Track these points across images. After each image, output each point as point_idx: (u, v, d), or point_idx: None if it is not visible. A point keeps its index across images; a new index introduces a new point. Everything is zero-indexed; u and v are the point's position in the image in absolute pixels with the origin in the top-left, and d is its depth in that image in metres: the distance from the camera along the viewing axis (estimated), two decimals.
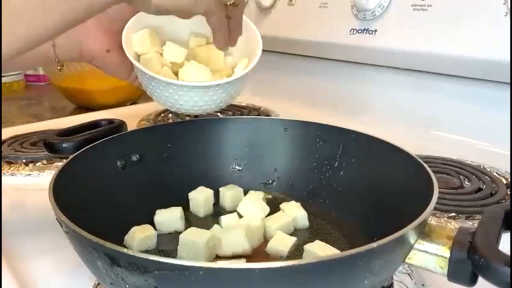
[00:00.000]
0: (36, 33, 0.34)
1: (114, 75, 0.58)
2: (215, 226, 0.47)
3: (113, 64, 0.56)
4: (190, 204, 0.52)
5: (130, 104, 1.09)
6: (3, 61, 0.33)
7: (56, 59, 0.53)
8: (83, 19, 0.37)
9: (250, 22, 0.56)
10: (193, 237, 0.42)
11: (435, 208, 0.35)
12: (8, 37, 0.32)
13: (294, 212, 0.49)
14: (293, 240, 0.45)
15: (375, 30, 0.81)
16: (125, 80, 0.59)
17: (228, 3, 0.48)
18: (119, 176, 0.50)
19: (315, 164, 0.54)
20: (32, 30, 0.34)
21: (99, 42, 0.54)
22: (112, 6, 0.38)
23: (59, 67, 0.55)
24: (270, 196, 0.55)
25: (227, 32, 0.50)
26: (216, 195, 0.53)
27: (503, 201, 0.55)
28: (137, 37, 0.54)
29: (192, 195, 0.52)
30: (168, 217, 0.48)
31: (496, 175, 0.61)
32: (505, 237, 0.33)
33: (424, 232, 0.33)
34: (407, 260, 0.34)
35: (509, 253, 0.28)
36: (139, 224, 0.46)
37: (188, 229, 0.43)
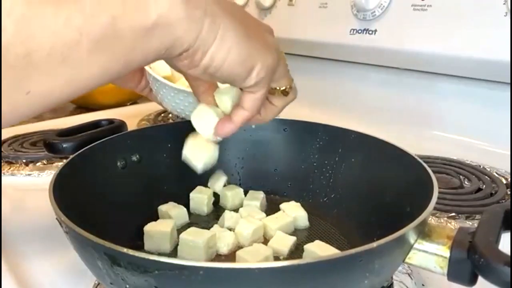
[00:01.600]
0: (57, 91, 0.26)
1: (122, 85, 0.56)
2: (215, 226, 0.47)
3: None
4: (191, 203, 0.52)
5: (130, 104, 1.09)
6: (8, 124, 0.26)
7: None
8: (117, 75, 0.29)
9: None
10: (193, 237, 0.42)
11: (435, 208, 0.35)
12: (19, 96, 0.24)
13: (294, 212, 0.49)
14: (293, 239, 0.45)
15: (375, 30, 0.81)
16: (133, 89, 0.57)
17: (278, 88, 0.39)
18: (119, 176, 0.50)
19: (315, 164, 0.54)
20: (55, 88, 0.26)
21: None
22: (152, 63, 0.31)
23: None
24: (270, 196, 0.55)
25: (254, 118, 0.40)
26: (216, 195, 0.54)
27: (503, 201, 0.55)
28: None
29: (194, 194, 0.52)
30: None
31: (496, 175, 0.61)
32: (505, 237, 0.33)
33: (424, 232, 0.33)
34: (407, 260, 0.34)
35: (509, 253, 0.28)
36: (139, 224, 0.45)
37: (188, 229, 0.43)
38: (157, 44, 0.27)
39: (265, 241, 0.46)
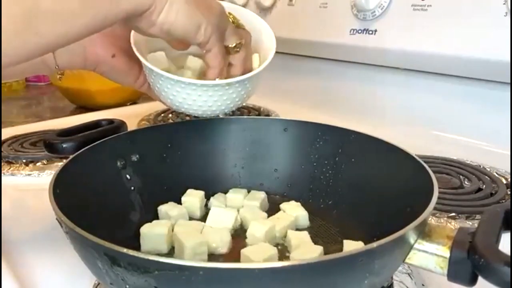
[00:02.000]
0: (60, 35, 0.34)
1: (120, 81, 0.57)
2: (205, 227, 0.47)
3: (120, 69, 0.55)
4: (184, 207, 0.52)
5: (130, 104, 1.09)
6: (18, 63, 0.33)
7: (56, 67, 0.51)
8: (103, 27, 0.37)
9: (262, 20, 0.56)
10: (183, 238, 0.42)
11: (435, 208, 0.35)
12: (30, 37, 0.33)
13: (295, 212, 0.49)
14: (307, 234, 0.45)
15: (375, 30, 0.81)
16: (131, 86, 0.57)
17: (230, 45, 0.48)
18: (119, 176, 0.50)
19: (315, 164, 0.54)
20: (57, 32, 0.34)
21: (104, 47, 0.53)
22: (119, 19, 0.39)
23: (59, 76, 0.53)
24: (270, 196, 0.54)
25: (223, 72, 0.49)
26: (207, 197, 0.53)
27: (503, 201, 0.55)
28: (152, 57, 0.53)
29: (185, 198, 0.51)
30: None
31: (496, 175, 0.61)
32: (505, 237, 0.33)
33: (424, 232, 0.33)
34: (407, 260, 0.34)
35: (509, 253, 0.28)
36: (139, 224, 0.45)
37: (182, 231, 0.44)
38: (126, 5, 0.37)
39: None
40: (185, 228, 0.45)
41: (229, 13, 0.50)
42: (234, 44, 0.48)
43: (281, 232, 0.46)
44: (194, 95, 0.48)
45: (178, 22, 0.41)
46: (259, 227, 0.45)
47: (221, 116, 0.56)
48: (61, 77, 0.53)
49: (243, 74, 0.50)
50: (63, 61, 0.51)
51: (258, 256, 0.40)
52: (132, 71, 0.55)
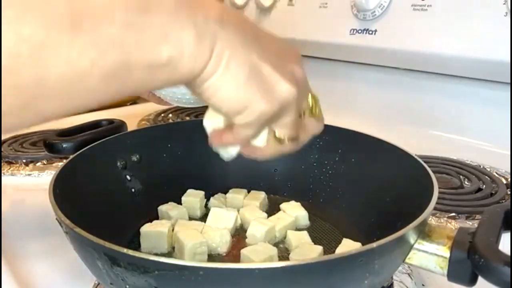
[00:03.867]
0: (67, 112, 0.26)
1: None
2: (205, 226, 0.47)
3: None
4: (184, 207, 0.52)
5: (130, 104, 1.09)
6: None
7: None
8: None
9: None
10: (183, 238, 0.42)
11: (435, 208, 0.35)
12: (29, 115, 0.25)
13: (295, 211, 0.49)
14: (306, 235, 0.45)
15: (375, 30, 0.81)
16: None
17: (276, 135, 0.36)
18: (119, 176, 0.50)
19: (315, 164, 0.54)
20: (64, 110, 0.26)
21: None
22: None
23: None
24: (270, 196, 0.54)
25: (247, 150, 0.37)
26: (207, 197, 0.53)
27: (503, 201, 0.55)
28: None
29: (186, 198, 0.51)
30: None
31: (496, 175, 0.61)
32: (505, 237, 0.33)
33: (424, 232, 0.33)
34: (407, 260, 0.34)
35: (509, 253, 0.28)
36: (139, 224, 0.45)
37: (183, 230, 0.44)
38: (164, 78, 0.27)
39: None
40: (185, 228, 0.45)
41: (313, 96, 0.40)
42: (281, 137, 0.36)
43: (281, 232, 0.47)
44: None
45: (219, 97, 0.30)
46: (259, 227, 0.45)
47: None
48: None
49: (265, 157, 0.38)
50: None
51: (258, 256, 0.40)
52: None
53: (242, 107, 0.30)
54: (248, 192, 0.54)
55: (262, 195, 0.53)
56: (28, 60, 0.22)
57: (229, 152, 0.38)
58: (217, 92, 0.29)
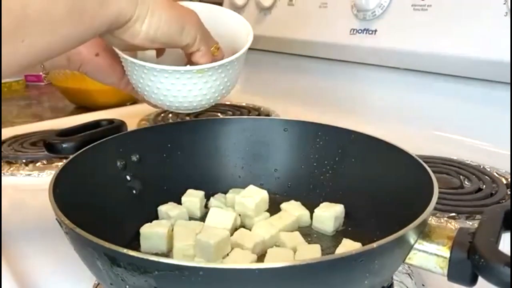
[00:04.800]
0: (46, 43, 0.35)
1: (104, 80, 0.56)
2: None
3: (104, 68, 0.54)
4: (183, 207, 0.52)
5: (130, 104, 1.09)
6: (10, 75, 0.34)
7: (41, 66, 0.51)
8: (87, 37, 0.38)
9: (232, 12, 0.55)
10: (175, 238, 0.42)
11: (435, 208, 0.35)
12: (18, 46, 0.33)
13: (297, 211, 0.49)
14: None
15: (375, 30, 0.81)
16: (115, 86, 0.56)
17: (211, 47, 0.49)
18: (119, 176, 0.50)
19: (315, 164, 0.54)
20: (44, 40, 0.34)
21: (87, 46, 0.52)
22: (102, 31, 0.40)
23: (44, 75, 0.53)
24: (270, 196, 0.54)
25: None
26: (207, 197, 0.53)
27: (503, 201, 0.55)
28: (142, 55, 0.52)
29: (186, 198, 0.51)
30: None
31: (496, 175, 0.61)
32: (505, 237, 0.33)
33: (424, 232, 0.33)
34: (407, 260, 0.34)
35: (509, 253, 0.28)
36: (139, 224, 0.45)
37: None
38: (109, 13, 0.38)
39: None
40: (183, 228, 0.45)
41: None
42: (213, 46, 0.49)
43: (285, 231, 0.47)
44: (179, 84, 0.47)
45: (162, 28, 0.42)
46: (265, 230, 0.45)
47: (220, 116, 0.56)
48: (46, 77, 0.54)
49: None
50: (47, 62, 0.51)
51: (249, 241, 0.42)
52: (116, 70, 0.54)
53: (180, 30, 0.44)
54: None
55: (264, 193, 0.52)
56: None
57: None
58: (158, 24, 0.42)
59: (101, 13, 0.37)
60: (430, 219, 0.43)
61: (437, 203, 0.35)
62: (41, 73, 0.53)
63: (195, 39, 0.45)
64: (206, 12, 0.51)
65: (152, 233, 0.44)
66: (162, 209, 0.50)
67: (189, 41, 0.45)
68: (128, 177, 0.51)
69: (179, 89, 0.47)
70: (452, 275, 0.32)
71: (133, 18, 0.40)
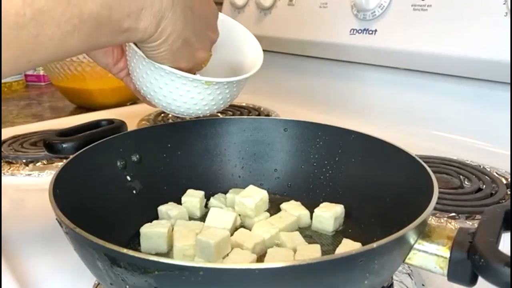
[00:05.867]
0: (51, 60, 0.35)
1: (98, 59, 0.53)
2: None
3: None
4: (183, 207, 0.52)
5: (130, 104, 1.09)
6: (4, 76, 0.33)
7: None
8: (101, 46, 0.38)
9: (247, 30, 0.56)
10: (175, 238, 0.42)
11: (435, 208, 0.35)
12: (23, 65, 0.32)
13: (297, 211, 0.49)
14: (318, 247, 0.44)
15: (375, 30, 0.81)
16: (109, 69, 0.54)
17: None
18: (119, 176, 0.50)
19: (315, 164, 0.54)
20: (50, 59, 0.34)
21: None
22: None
23: None
24: (270, 196, 0.54)
25: None
26: (206, 197, 0.53)
27: (503, 201, 0.55)
28: None
29: (186, 198, 0.51)
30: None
31: (496, 175, 0.61)
32: (505, 237, 0.33)
33: (424, 232, 0.33)
34: (407, 260, 0.34)
35: (509, 253, 0.28)
36: (139, 224, 0.45)
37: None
38: (123, 39, 0.38)
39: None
40: (183, 228, 0.45)
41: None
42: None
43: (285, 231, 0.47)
44: (182, 90, 0.46)
45: (160, 54, 0.42)
46: (264, 229, 0.45)
47: (220, 116, 0.56)
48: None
49: None
50: None
51: (249, 241, 0.42)
52: (114, 52, 0.52)
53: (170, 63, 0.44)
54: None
55: (263, 192, 0.52)
56: (29, 20, 0.30)
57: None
58: (156, 51, 0.42)
59: (114, 38, 0.37)
60: (430, 219, 0.43)
61: (437, 203, 0.35)
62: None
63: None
64: (222, 22, 0.51)
65: (152, 233, 0.44)
66: (162, 209, 0.50)
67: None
68: (128, 177, 0.51)
69: (181, 94, 0.46)
70: (452, 275, 0.32)
71: (147, 41, 0.40)
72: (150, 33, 0.39)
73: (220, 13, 0.51)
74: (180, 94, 0.46)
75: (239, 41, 0.55)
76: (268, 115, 0.91)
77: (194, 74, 0.48)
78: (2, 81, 1.28)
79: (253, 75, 0.50)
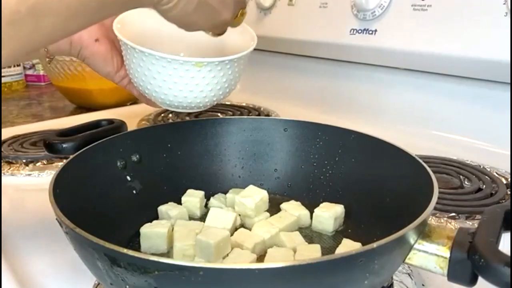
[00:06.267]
0: (60, 30, 0.34)
1: (100, 69, 0.54)
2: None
3: (102, 55, 0.53)
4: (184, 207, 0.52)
5: (130, 104, 1.09)
6: (14, 61, 0.33)
7: (45, 50, 0.51)
8: (104, 18, 0.37)
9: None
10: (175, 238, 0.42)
11: (435, 208, 0.35)
12: (31, 33, 0.32)
13: (297, 211, 0.49)
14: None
15: (375, 30, 0.81)
16: (111, 78, 0.55)
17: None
18: (119, 176, 0.50)
19: (315, 164, 0.54)
20: (57, 28, 0.33)
21: (89, 31, 0.52)
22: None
23: (48, 59, 0.53)
24: (270, 196, 0.54)
25: None
26: (206, 197, 0.53)
27: (503, 201, 0.55)
28: None
29: (186, 198, 0.51)
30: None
31: (496, 175, 0.61)
32: (505, 237, 0.33)
33: (424, 232, 0.33)
34: (407, 260, 0.34)
35: (509, 253, 0.28)
36: (139, 224, 0.45)
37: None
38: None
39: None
40: (183, 228, 0.45)
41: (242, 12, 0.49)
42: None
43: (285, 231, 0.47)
44: (175, 76, 0.46)
45: (177, 14, 0.40)
46: (264, 230, 0.45)
47: (220, 116, 0.56)
48: (50, 61, 0.53)
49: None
50: (52, 46, 0.51)
51: (249, 241, 0.42)
52: (114, 60, 0.53)
53: (188, 26, 0.43)
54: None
55: (263, 193, 0.52)
56: (25, 16, 0.30)
57: None
58: (172, 13, 0.40)
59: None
60: (430, 219, 0.43)
61: (437, 203, 0.35)
62: (46, 59, 0.52)
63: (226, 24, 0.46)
64: None
65: (152, 233, 0.44)
66: (162, 209, 0.50)
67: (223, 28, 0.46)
68: (128, 177, 0.51)
69: (175, 81, 0.46)
70: (452, 275, 0.32)
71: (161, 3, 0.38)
72: None
73: None
74: (174, 81, 0.46)
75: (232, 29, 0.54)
76: (268, 115, 0.91)
77: (219, 35, 0.48)
78: (2, 81, 1.28)
79: (246, 56, 0.49)
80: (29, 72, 1.38)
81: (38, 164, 0.67)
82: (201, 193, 0.52)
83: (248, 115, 0.89)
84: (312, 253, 0.42)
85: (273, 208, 0.51)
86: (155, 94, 0.48)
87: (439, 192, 0.37)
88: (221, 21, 0.45)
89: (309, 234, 0.48)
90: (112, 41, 0.52)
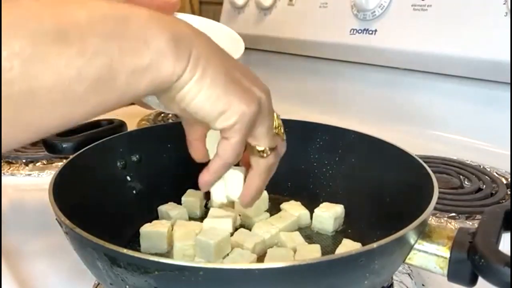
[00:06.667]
0: (53, 124, 0.29)
1: None
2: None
3: None
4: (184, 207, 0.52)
5: (130, 104, 1.09)
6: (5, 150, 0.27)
7: None
8: (110, 110, 0.29)
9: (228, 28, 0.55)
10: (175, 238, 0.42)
11: (435, 208, 0.35)
12: (22, 127, 0.26)
13: (297, 211, 0.49)
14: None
15: (375, 30, 0.81)
16: None
17: (258, 147, 0.36)
18: (119, 176, 0.50)
19: (315, 164, 0.54)
20: (53, 123, 0.28)
21: None
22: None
23: None
24: (270, 196, 0.54)
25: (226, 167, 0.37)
26: (207, 197, 0.53)
27: (503, 201, 0.55)
28: None
29: (186, 198, 0.51)
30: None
31: (496, 175, 0.61)
32: (505, 237, 0.33)
33: (424, 233, 0.33)
34: (407, 261, 0.34)
35: (509, 253, 0.28)
36: (138, 224, 0.45)
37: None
38: (147, 83, 0.29)
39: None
40: (183, 228, 0.45)
41: (277, 117, 0.41)
42: (262, 149, 0.36)
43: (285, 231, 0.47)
44: None
45: (198, 101, 0.31)
46: (264, 229, 0.45)
47: None
48: None
49: (259, 187, 0.40)
50: None
51: (249, 241, 0.42)
52: None
53: (222, 110, 0.32)
54: None
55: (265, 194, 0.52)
56: (19, 73, 0.24)
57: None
58: (196, 97, 0.31)
59: (135, 86, 0.28)
60: (430, 219, 0.43)
61: (437, 203, 0.35)
62: None
63: (232, 126, 0.32)
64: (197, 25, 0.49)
65: (152, 233, 0.44)
66: (162, 209, 0.50)
67: (222, 126, 0.32)
68: (128, 177, 0.50)
69: None
70: (452, 275, 0.32)
71: (174, 86, 0.30)
72: (181, 64, 0.29)
73: (190, 16, 0.47)
74: None
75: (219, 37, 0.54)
76: None
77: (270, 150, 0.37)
78: None
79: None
80: None
81: (38, 164, 0.67)
82: (201, 193, 0.52)
83: None
84: (312, 253, 0.42)
85: (273, 208, 0.51)
86: (151, 97, 0.48)
87: (439, 192, 0.37)
88: (258, 99, 0.34)
89: (309, 234, 0.48)
90: None
